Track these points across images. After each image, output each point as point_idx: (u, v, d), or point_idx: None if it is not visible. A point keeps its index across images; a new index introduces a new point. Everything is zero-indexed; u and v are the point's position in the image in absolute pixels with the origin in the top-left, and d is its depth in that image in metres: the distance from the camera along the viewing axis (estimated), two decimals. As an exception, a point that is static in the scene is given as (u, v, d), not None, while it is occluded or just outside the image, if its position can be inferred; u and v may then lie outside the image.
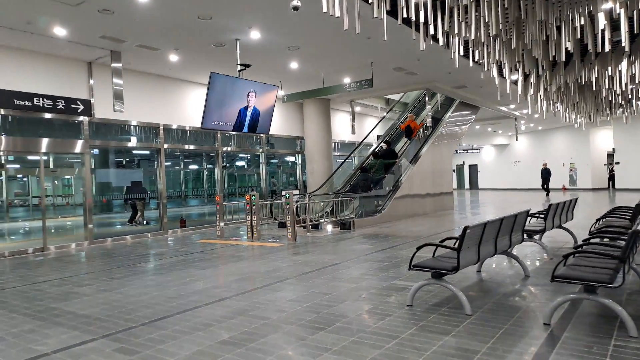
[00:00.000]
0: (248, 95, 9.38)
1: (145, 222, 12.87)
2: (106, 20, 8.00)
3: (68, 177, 12.30)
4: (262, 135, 14.89)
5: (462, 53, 8.76)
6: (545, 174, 23.26)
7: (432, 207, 14.91)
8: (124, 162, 14.55)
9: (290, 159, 18.95)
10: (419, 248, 4.34)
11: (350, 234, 10.36)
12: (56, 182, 20.25)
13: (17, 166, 19.08)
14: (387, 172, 13.48)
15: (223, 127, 9.17)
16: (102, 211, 17.67)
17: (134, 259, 8.05)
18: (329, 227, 11.63)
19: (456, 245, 4.17)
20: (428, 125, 14.74)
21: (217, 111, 8.91)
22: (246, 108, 9.45)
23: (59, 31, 8.37)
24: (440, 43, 7.83)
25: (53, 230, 14.08)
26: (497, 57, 9.19)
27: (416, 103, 17.97)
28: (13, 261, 8.38)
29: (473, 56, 9.15)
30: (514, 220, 5.12)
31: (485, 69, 9.86)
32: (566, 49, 6.96)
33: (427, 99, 14.83)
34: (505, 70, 10.43)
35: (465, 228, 4.05)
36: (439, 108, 16.00)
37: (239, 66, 9.25)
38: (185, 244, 9.85)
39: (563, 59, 7.42)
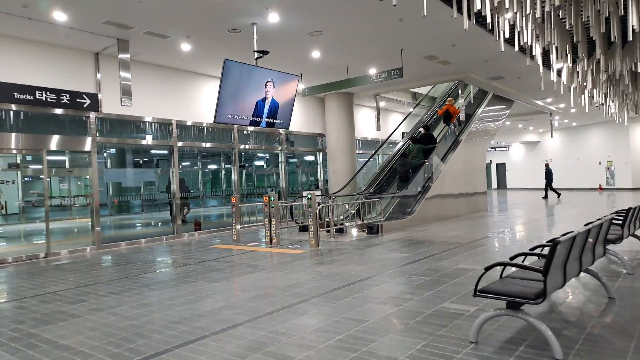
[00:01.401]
0: (266, 85, 8.45)
1: (184, 219, 12.69)
2: (110, 3, 7.19)
3: (76, 177, 11.63)
4: (281, 132, 13.98)
5: (507, 36, 7.71)
6: (549, 174, 21.45)
7: (465, 209, 13.75)
8: (140, 161, 13.86)
9: (310, 158, 18.04)
10: (488, 269, 3.33)
11: (379, 240, 9.34)
12: (61, 182, 19.60)
13: (39, 166, 18.74)
14: (426, 158, 12.64)
15: (238, 121, 8.27)
16: (119, 212, 17.04)
17: (140, 268, 7.21)
18: (354, 231, 10.64)
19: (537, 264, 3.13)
20: (461, 119, 13.60)
21: (232, 103, 8.00)
22: (264, 100, 8.52)
23: (59, 16, 7.60)
24: (488, 19, 6.75)
25: (61, 233, 13.46)
26: (548, 40, 8.10)
27: (445, 97, 16.80)
28: (13, 269, 7.65)
29: (519, 40, 8.08)
30: (598, 230, 4.05)
31: (533, 52, 8.77)
32: (633, 28, 5.85)
33: (459, 91, 13.69)
34: (553, 57, 9.32)
35: (556, 243, 3.01)
36: (472, 101, 14.82)
37: (255, 53, 8.34)
38: (198, 250, 8.99)
39: (630, 37, 6.29)
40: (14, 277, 6.96)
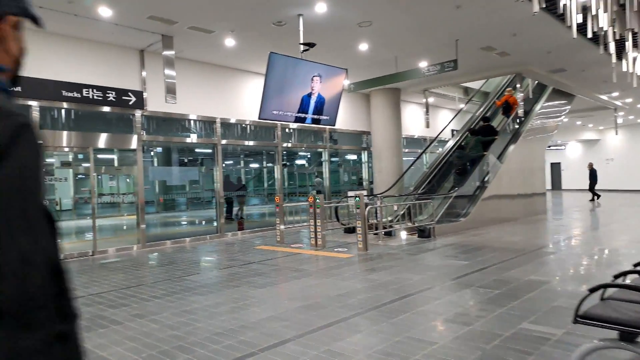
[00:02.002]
0: (312, 79, 8.02)
1: (240, 216, 13.02)
2: (153, -5, 6.99)
3: (125, 174, 11.72)
4: (326, 128, 13.54)
5: (579, 21, 6.90)
6: (594, 176, 19.74)
7: (522, 211, 12.79)
8: (185, 159, 13.88)
9: (352, 156, 17.52)
10: (593, 290, 2.71)
11: (432, 244, 8.71)
12: (111, 179, 20.01)
13: (89, 164, 19.32)
14: (485, 150, 12.02)
15: (283, 118, 7.89)
16: (164, 210, 17.23)
17: (183, 269, 6.96)
18: (403, 234, 10.03)
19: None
20: (519, 115, 12.67)
21: (277, 99, 7.62)
22: (309, 95, 8.09)
23: (104, 11, 7.49)
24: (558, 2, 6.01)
25: (109, 230, 13.65)
26: (627, 26, 7.26)
27: (498, 92, 15.81)
28: (57, 267, 7.63)
29: (593, 26, 7.23)
30: None
31: (607, 40, 7.90)
32: None
33: (517, 85, 12.76)
34: (628, 44, 8.35)
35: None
36: (530, 96, 13.81)
37: (302, 46, 7.93)
38: (242, 251, 8.70)
39: None
40: (60, 276, 6.89)
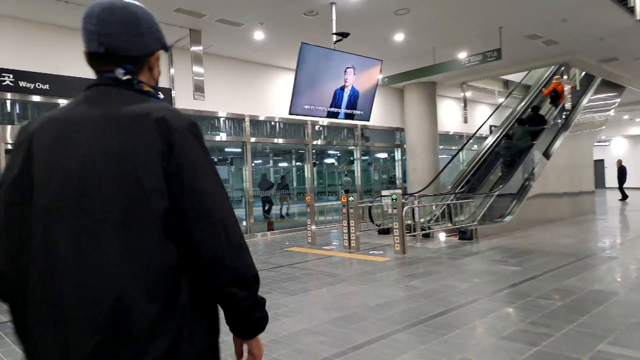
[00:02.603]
0: (345, 71, 7.53)
1: (286, 214, 13.48)
2: (179, -14, 6.69)
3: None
4: (357, 125, 13.03)
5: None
6: (623, 173, 18.43)
7: (569, 211, 11.92)
8: (215, 159, 13.72)
9: (383, 155, 16.93)
10: None
11: (475, 247, 8.08)
12: None
13: None
14: (534, 140, 11.48)
15: (315, 113, 7.45)
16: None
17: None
18: (442, 236, 9.42)
19: None
20: (566, 108, 11.82)
21: (308, 93, 7.19)
22: (343, 88, 7.61)
23: (130, 5, 7.24)
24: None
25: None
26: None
27: (541, 84, 14.89)
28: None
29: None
30: None
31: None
32: None
33: (565, 77, 11.89)
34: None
35: None
36: (577, 88, 12.89)
37: (334, 36, 7.46)
38: (272, 253, 8.32)
39: None
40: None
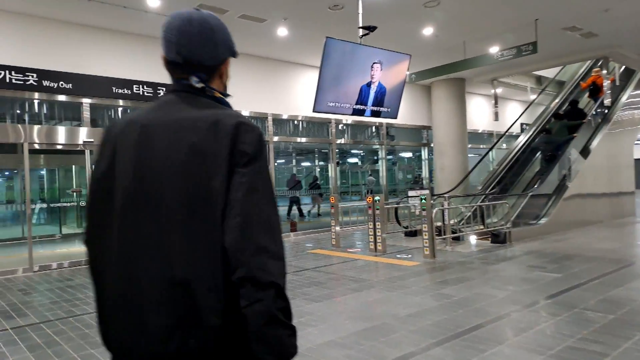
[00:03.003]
0: (372, 67, 7.21)
1: (319, 214, 13.61)
2: (200, -20, 6.51)
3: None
4: (383, 123, 12.68)
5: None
6: None
7: (608, 212, 11.28)
8: None
9: (407, 154, 16.51)
10: None
11: (510, 251, 7.65)
12: None
13: None
14: (574, 133, 11.03)
15: (340, 110, 7.16)
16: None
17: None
18: (473, 239, 9.00)
19: None
20: (605, 104, 11.19)
21: (333, 89, 6.90)
22: (369, 85, 7.29)
23: (152, 2, 7.12)
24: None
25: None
26: None
27: (577, 80, 14.20)
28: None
29: None
30: None
31: None
32: None
33: (604, 71, 11.26)
34: None
35: None
36: (617, 83, 12.19)
37: (361, 30, 7.16)
38: (295, 255, 8.08)
39: None
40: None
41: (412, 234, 9.65)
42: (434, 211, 7.41)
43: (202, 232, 1.03)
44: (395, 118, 8.15)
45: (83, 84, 7.77)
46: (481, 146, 15.45)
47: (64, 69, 7.61)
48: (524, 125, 15.02)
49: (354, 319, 4.22)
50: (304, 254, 8.12)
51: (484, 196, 10.34)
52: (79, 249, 8.77)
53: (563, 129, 11.06)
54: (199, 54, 1.16)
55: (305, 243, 9.59)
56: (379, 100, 7.47)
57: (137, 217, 1.07)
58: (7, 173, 11.76)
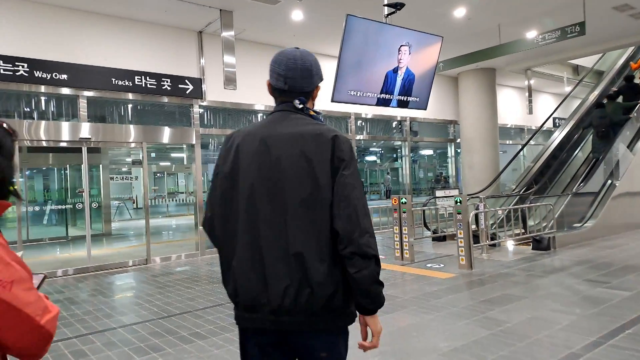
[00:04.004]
0: (399, 50, 6.32)
1: None
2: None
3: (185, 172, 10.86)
4: (406, 117, 11.74)
5: None
6: None
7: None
8: None
9: (428, 152, 15.54)
10: None
11: (558, 260, 6.69)
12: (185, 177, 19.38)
13: (166, 163, 19.07)
14: (629, 114, 10.14)
15: (362, 100, 6.29)
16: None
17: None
18: (510, 245, 8.04)
19: None
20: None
21: (355, 76, 6.04)
22: (396, 70, 6.40)
23: (153, -19, 6.38)
24: None
25: (169, 233, 12.95)
26: None
27: (620, 67, 13.02)
28: (98, 280, 6.66)
29: None
30: None
31: None
32: None
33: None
34: None
35: None
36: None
37: (386, 8, 6.29)
38: (311, 263, 7.25)
39: None
40: (88, 292, 5.85)
41: (441, 238, 8.74)
42: (471, 214, 6.49)
43: (311, 217, 1.38)
44: (425, 109, 7.25)
45: (80, 75, 7.08)
46: (507, 142, 14.38)
47: (58, 58, 6.94)
48: (558, 120, 13.91)
49: (384, 356, 3.38)
50: (322, 262, 7.28)
51: (521, 197, 9.35)
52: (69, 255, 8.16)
53: (617, 109, 10.09)
54: (300, 84, 1.53)
55: (323, 248, 8.75)
56: (406, 89, 6.58)
57: (260, 205, 1.43)
58: None
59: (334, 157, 1.40)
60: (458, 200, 6.25)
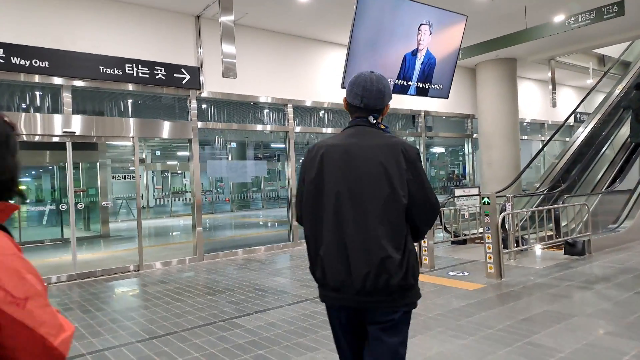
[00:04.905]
0: (419, 30, 5.57)
1: None
2: None
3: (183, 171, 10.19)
4: (420, 111, 10.97)
5: None
6: None
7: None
8: (259, 155, 12.28)
9: (439, 149, 14.71)
10: None
11: (597, 268, 5.91)
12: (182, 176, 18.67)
13: (172, 162, 18.46)
14: None
15: (377, 87, 5.56)
16: (230, 210, 15.75)
17: (230, 301, 4.94)
18: (538, 249, 7.26)
19: None
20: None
21: (369, 58, 5.30)
22: (415, 53, 5.65)
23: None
24: None
25: (165, 236, 12.31)
26: None
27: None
28: (81, 290, 5.99)
29: None
30: None
31: None
32: None
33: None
34: None
35: None
36: None
37: (403, -18, 5.54)
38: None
39: None
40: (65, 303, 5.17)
41: (461, 242, 7.98)
42: (501, 216, 5.72)
43: (388, 215, 1.67)
44: (447, 97, 6.51)
45: (63, 62, 6.42)
46: (523, 137, 13.54)
47: (39, 43, 6.28)
48: (580, 115, 13.06)
49: (414, 398, 2.65)
50: (330, 269, 6.55)
51: (546, 196, 8.56)
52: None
53: None
54: (374, 103, 1.80)
55: (332, 252, 8.02)
56: (426, 75, 5.82)
57: (344, 206, 1.71)
58: None
59: (407, 163, 1.70)
60: (487, 202, 5.49)
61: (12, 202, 0.95)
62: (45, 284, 0.92)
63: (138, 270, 7.00)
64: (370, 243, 1.64)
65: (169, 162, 18.62)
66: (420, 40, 5.57)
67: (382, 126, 1.82)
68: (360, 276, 1.63)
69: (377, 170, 1.68)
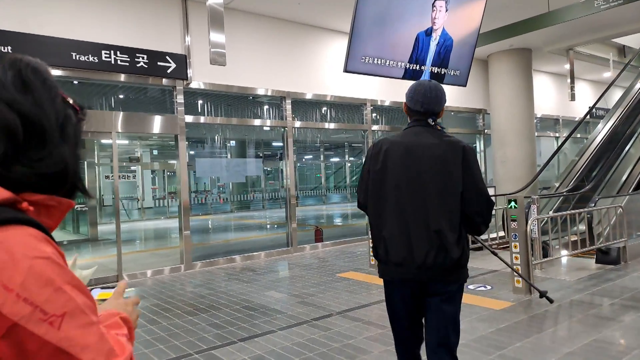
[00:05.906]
0: (434, 6, 4.79)
1: None
2: None
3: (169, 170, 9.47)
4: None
5: None
6: None
7: None
8: (260, 153, 11.60)
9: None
10: None
11: (637, 277, 5.13)
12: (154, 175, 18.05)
13: (173, 161, 17.74)
14: None
15: (385, 71, 4.77)
16: (223, 211, 15.00)
17: (212, 323, 4.19)
18: (564, 257, 6.46)
19: None
20: None
21: (376, 38, 4.53)
22: (429, 32, 4.88)
23: None
24: None
25: (151, 240, 11.61)
26: None
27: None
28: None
29: None
30: None
31: None
32: None
33: None
34: None
35: None
36: None
37: (415, -50, 4.77)
38: (320, 282, 5.77)
39: None
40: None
41: (478, 248, 7.20)
42: (530, 222, 4.94)
43: (446, 203, 1.94)
44: (464, 85, 5.74)
45: (29, 47, 5.67)
46: (541, 134, 12.76)
47: (1, 26, 5.55)
48: (596, 111, 12.25)
49: None
50: (331, 281, 5.80)
51: (566, 197, 7.79)
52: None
53: None
54: (432, 108, 2.05)
55: (335, 260, 7.27)
56: (442, 58, 5.04)
57: (407, 194, 1.99)
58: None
59: (464, 160, 1.97)
60: (513, 205, 4.71)
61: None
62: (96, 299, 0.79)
63: (116, 281, 6.25)
64: (431, 227, 1.93)
65: (169, 162, 17.90)
66: (435, 18, 4.79)
67: (438, 127, 2.08)
68: (421, 254, 1.93)
69: (436, 163, 1.97)
